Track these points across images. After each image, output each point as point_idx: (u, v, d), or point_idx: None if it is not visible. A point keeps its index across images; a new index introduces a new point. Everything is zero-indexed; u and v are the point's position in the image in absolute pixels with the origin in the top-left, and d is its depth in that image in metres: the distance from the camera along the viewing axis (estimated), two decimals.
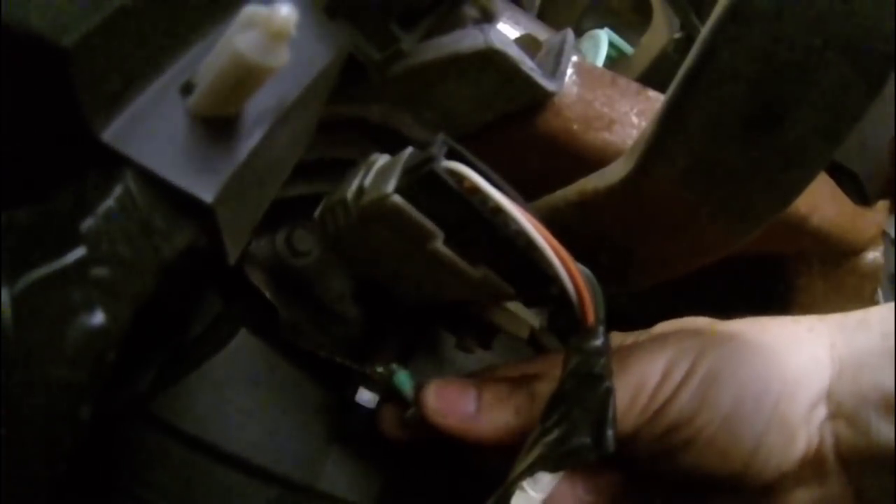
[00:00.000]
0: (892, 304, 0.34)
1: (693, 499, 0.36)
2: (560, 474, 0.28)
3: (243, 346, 0.39)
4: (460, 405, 0.34)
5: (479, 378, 0.36)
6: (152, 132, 0.21)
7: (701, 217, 0.31)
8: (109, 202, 0.20)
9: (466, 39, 0.34)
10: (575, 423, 0.27)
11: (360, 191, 0.30)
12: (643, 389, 0.33)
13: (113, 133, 0.21)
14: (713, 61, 0.27)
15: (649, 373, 0.33)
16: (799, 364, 0.34)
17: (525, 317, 0.37)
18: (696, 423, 0.32)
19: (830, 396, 0.33)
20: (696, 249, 0.34)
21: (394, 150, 0.31)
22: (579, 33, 0.72)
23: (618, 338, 0.39)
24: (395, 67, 0.34)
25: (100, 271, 0.19)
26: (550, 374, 0.33)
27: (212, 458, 0.37)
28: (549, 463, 0.27)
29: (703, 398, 0.32)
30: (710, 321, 0.38)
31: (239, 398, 0.38)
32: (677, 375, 0.33)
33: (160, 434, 0.36)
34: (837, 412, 0.33)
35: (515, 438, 0.33)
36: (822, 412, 0.33)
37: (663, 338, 0.35)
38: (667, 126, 0.29)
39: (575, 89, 0.37)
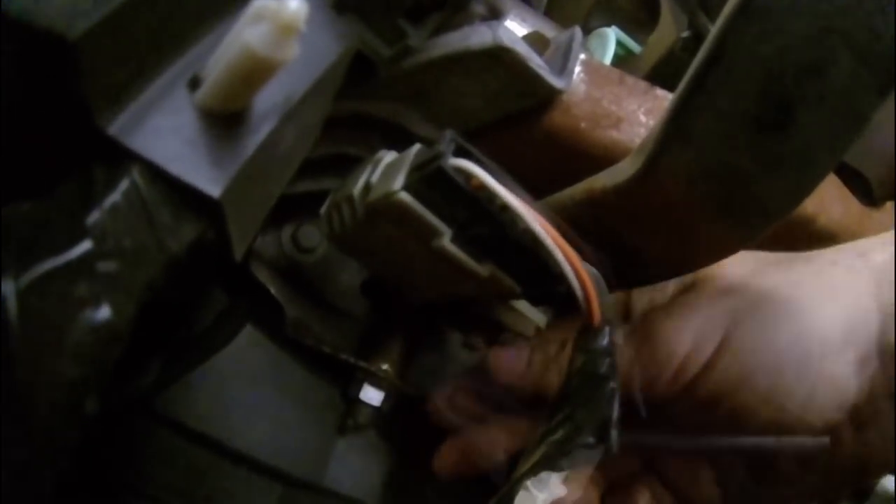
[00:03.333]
0: None
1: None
2: (564, 474, 0.28)
3: (248, 342, 0.38)
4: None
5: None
6: (159, 126, 0.21)
7: (708, 217, 0.31)
8: (116, 196, 0.20)
9: (475, 36, 0.34)
10: (580, 423, 0.27)
11: (367, 187, 0.30)
12: (669, 362, 0.32)
13: (119, 127, 0.21)
14: (722, 60, 0.27)
15: (676, 343, 0.32)
16: (842, 318, 0.32)
17: (531, 315, 0.37)
18: (738, 397, 0.31)
19: (880, 347, 0.31)
20: (704, 249, 0.33)
21: (401, 146, 0.31)
22: (587, 31, 0.71)
23: (645, 295, 0.37)
24: (403, 63, 0.33)
25: (106, 265, 0.19)
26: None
27: (216, 455, 0.37)
28: (553, 462, 0.27)
29: (740, 373, 0.31)
30: (744, 274, 0.35)
31: (244, 395, 0.38)
32: (708, 348, 0.32)
33: (165, 430, 0.36)
34: (889, 362, 0.31)
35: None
36: (873, 364, 0.31)
37: (690, 305, 0.34)
38: (675, 125, 0.29)
39: (583, 87, 0.37)
